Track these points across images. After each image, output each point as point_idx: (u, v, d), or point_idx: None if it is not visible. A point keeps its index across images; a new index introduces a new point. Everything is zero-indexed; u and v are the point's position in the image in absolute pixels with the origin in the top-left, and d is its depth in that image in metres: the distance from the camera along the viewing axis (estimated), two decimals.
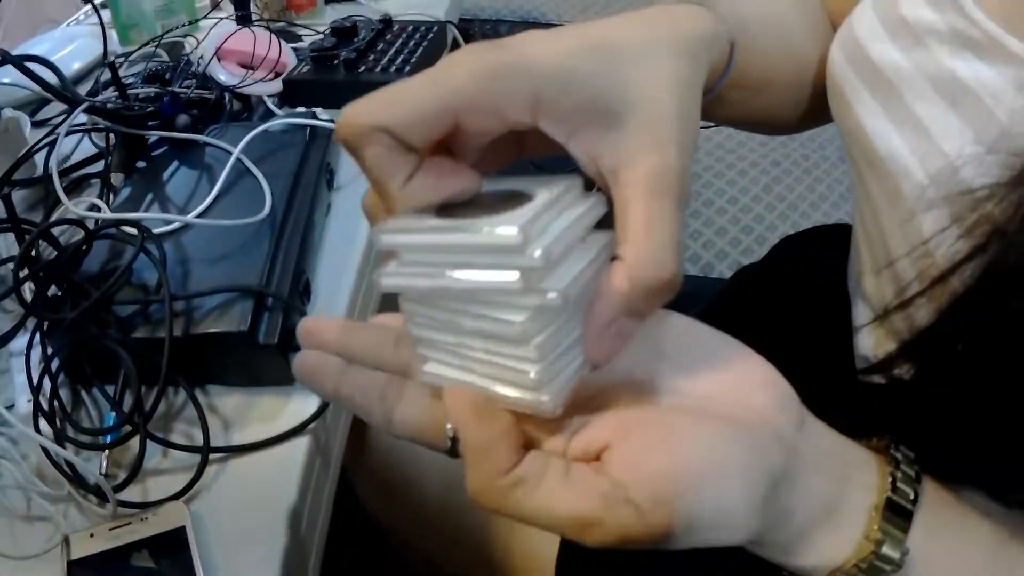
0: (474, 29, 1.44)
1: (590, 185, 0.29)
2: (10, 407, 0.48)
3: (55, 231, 0.53)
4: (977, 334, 0.30)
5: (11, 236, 0.54)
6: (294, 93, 0.75)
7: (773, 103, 0.47)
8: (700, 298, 0.62)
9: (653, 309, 0.26)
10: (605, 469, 0.26)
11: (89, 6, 1.07)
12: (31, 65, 0.64)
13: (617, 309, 0.25)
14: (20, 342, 0.49)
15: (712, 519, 0.25)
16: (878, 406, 0.37)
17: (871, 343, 0.40)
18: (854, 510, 0.29)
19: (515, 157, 0.31)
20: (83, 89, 0.81)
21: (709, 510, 0.25)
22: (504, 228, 0.23)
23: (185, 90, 0.69)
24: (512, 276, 0.23)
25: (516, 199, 0.26)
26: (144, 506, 0.42)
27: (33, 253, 0.50)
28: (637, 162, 0.26)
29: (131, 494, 0.43)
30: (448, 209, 0.26)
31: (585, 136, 0.26)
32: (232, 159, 0.57)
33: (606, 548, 0.25)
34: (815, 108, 0.48)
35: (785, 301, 0.54)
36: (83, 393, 0.49)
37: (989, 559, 0.31)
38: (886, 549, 0.29)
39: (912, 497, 0.30)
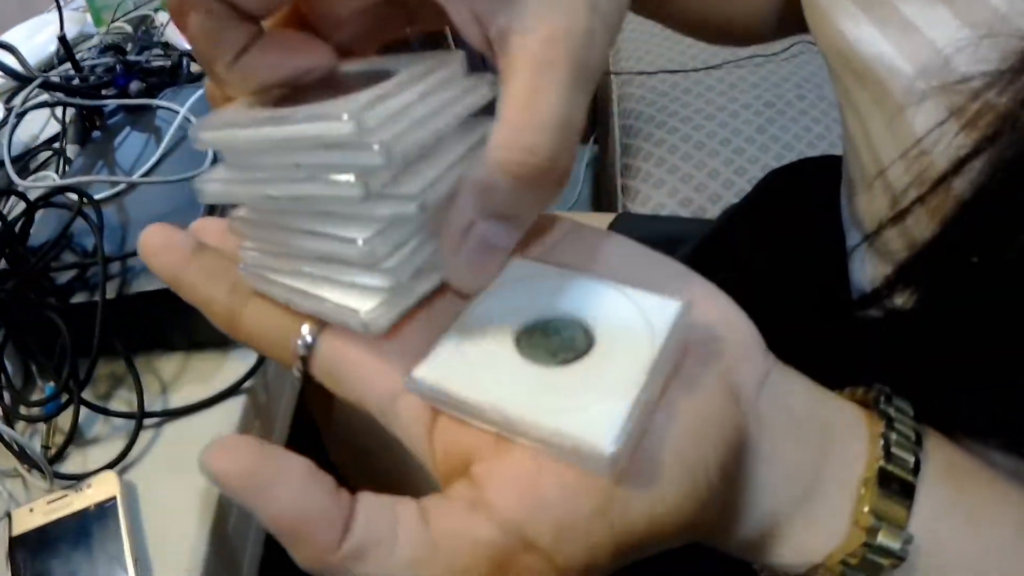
0: None
1: (477, 66, 0.25)
2: None
3: (5, 208, 0.52)
4: (990, 245, 0.25)
5: None
6: None
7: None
8: (690, 241, 0.58)
9: (529, 210, 0.21)
10: (479, 495, 0.20)
11: None
12: None
13: (476, 206, 0.20)
14: None
15: (644, 534, 0.19)
16: (876, 345, 0.32)
17: (867, 271, 0.36)
18: (837, 488, 0.23)
19: (400, 34, 0.26)
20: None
21: (639, 524, 0.19)
22: (332, 114, 0.19)
23: (139, 58, 0.68)
24: (345, 160, 0.19)
25: (378, 81, 0.21)
26: (79, 477, 0.40)
27: None
28: (532, 25, 0.20)
29: (72, 465, 0.42)
30: (297, 96, 0.22)
31: None
32: (178, 119, 0.56)
33: None
34: (785, 13, 0.44)
35: (773, 236, 0.50)
36: (32, 366, 0.48)
37: (1014, 550, 0.24)
38: (882, 538, 0.22)
39: (912, 465, 0.23)
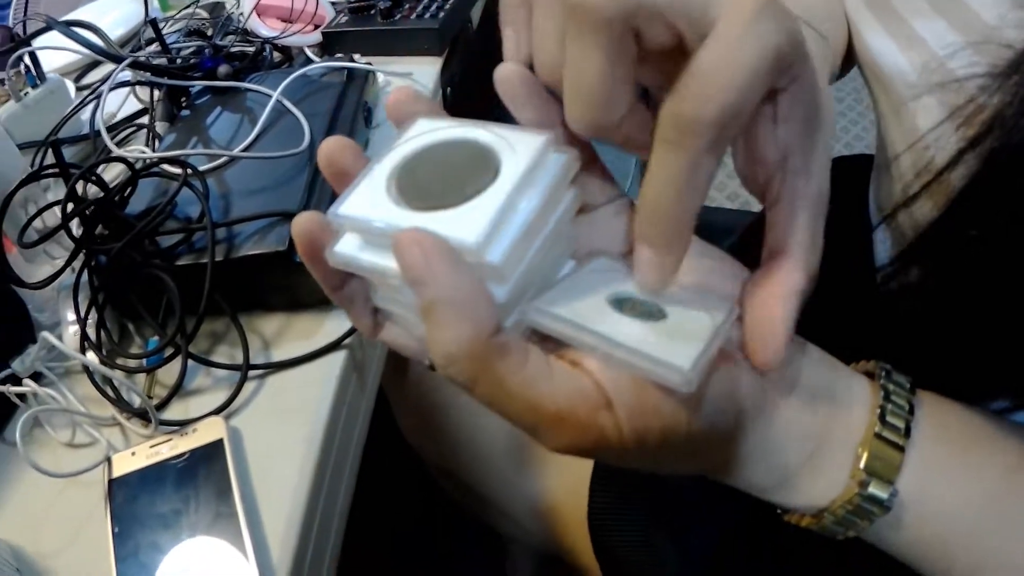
0: None
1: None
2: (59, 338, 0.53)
3: (106, 177, 0.58)
4: (981, 229, 0.31)
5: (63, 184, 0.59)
6: (333, 43, 0.79)
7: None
8: (735, 232, 0.65)
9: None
10: (585, 370, 0.26)
11: None
12: (77, 30, 0.70)
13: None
14: (71, 280, 0.54)
15: (684, 439, 0.26)
16: (894, 316, 0.38)
17: (885, 249, 0.43)
18: (840, 448, 0.29)
19: None
20: (127, 52, 0.88)
21: (682, 428, 0.26)
22: (463, 232, 0.24)
23: (226, 44, 0.74)
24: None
25: (484, 166, 0.27)
26: (184, 423, 0.45)
27: (83, 196, 0.55)
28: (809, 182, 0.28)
29: (173, 414, 0.47)
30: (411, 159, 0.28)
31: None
32: (272, 100, 0.61)
33: (569, 451, 0.26)
34: (844, 60, 0.53)
35: None
36: (129, 326, 0.53)
37: (995, 497, 0.30)
38: (873, 489, 0.29)
39: (903, 430, 0.29)
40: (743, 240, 0.65)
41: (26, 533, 0.43)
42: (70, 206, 0.51)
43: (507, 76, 0.29)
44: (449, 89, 0.79)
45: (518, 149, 0.27)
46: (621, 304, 0.27)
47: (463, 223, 0.25)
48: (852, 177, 0.52)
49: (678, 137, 0.23)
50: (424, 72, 0.76)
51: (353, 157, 0.29)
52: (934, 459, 0.30)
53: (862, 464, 0.29)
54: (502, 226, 0.25)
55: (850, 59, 0.53)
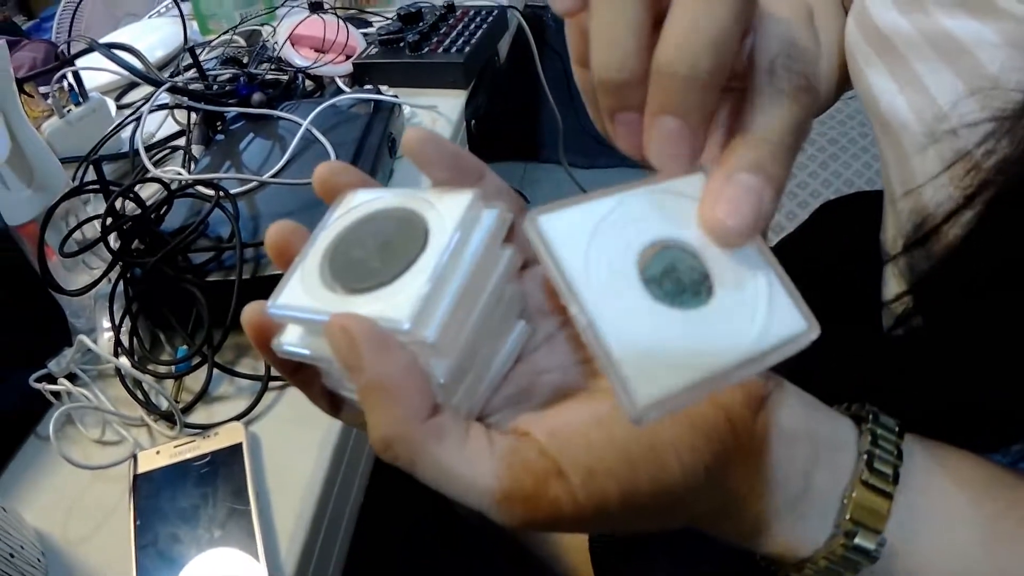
0: (547, 15, 1.53)
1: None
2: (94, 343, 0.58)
3: (143, 195, 0.63)
4: (975, 283, 0.32)
5: (102, 198, 0.65)
6: (363, 74, 0.85)
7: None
8: None
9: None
10: (532, 440, 0.25)
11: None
12: (118, 53, 0.76)
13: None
14: (108, 289, 0.60)
15: (648, 498, 0.25)
16: (901, 363, 0.39)
17: (890, 291, 0.45)
18: (825, 495, 0.29)
19: None
20: (165, 75, 0.94)
21: (645, 488, 0.24)
22: (394, 313, 0.24)
23: (260, 72, 0.80)
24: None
25: (413, 236, 0.26)
26: (207, 427, 0.50)
27: (121, 211, 0.61)
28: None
29: (197, 418, 0.52)
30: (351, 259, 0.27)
31: None
32: (302, 129, 0.67)
33: (525, 526, 0.25)
34: (840, 83, 0.55)
35: (822, 264, 0.59)
36: (160, 335, 0.59)
37: (985, 543, 0.29)
38: (860, 540, 0.28)
39: (892, 476, 0.29)
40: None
41: (55, 521, 0.48)
42: (109, 221, 0.57)
43: (411, 139, 0.29)
44: (474, 122, 0.84)
45: (444, 213, 0.27)
46: (659, 267, 0.24)
47: (393, 302, 0.24)
48: (868, 216, 0.53)
49: None
50: (448, 105, 0.82)
51: (301, 241, 0.29)
52: (923, 506, 0.29)
53: (848, 514, 0.28)
54: (434, 300, 0.24)
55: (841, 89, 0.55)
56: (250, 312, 0.28)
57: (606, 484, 0.24)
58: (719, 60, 0.23)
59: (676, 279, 0.24)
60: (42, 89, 0.85)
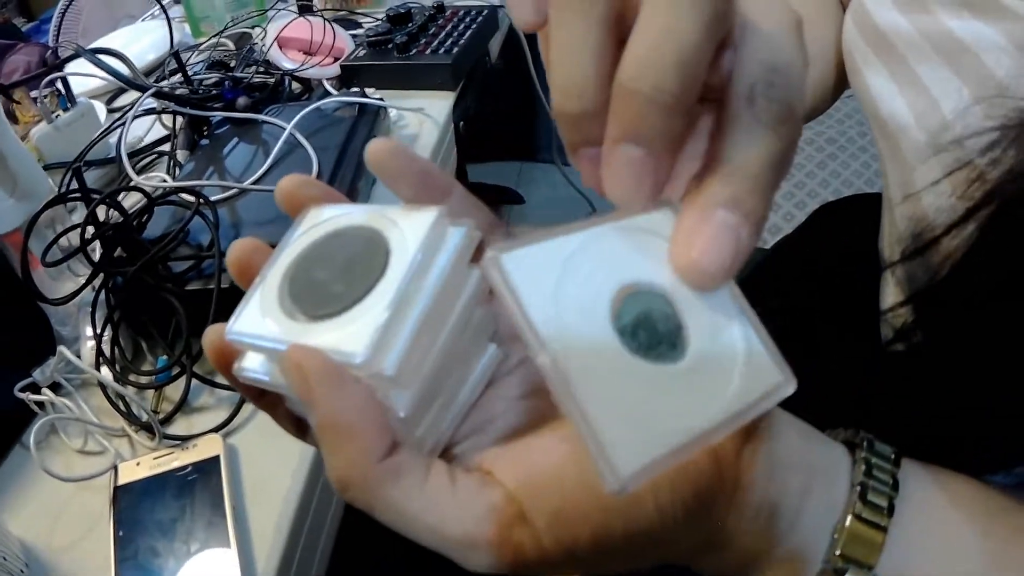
0: None
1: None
2: (78, 352, 0.58)
3: (126, 203, 0.63)
4: (976, 297, 0.31)
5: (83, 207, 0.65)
6: (351, 76, 0.85)
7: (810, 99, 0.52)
8: (746, 269, 0.67)
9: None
10: (495, 481, 0.24)
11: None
12: (104, 57, 0.76)
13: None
14: (90, 298, 0.60)
15: (621, 541, 0.24)
16: (900, 380, 0.39)
17: (887, 300, 0.44)
18: (815, 530, 0.27)
19: None
20: (154, 79, 0.94)
21: (618, 530, 0.23)
22: (348, 345, 0.23)
23: (245, 75, 0.80)
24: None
25: (374, 258, 0.25)
26: (187, 438, 0.50)
27: (104, 219, 0.61)
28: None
29: (177, 429, 0.52)
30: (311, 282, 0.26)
31: None
32: (285, 134, 0.67)
33: (490, 571, 0.24)
34: (838, 84, 0.54)
35: (819, 268, 0.58)
36: (142, 344, 0.59)
37: (984, 574, 0.28)
38: (853, 573, 0.27)
39: (886, 509, 0.27)
40: (749, 280, 0.66)
41: (39, 531, 0.48)
42: (91, 230, 0.57)
43: (376, 151, 0.28)
44: (462, 124, 0.84)
45: (407, 232, 0.25)
46: (631, 314, 0.22)
47: (349, 332, 0.23)
48: (867, 218, 0.52)
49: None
50: (435, 107, 0.81)
51: (263, 259, 0.28)
52: (919, 538, 0.28)
53: (839, 548, 0.27)
54: (392, 329, 0.23)
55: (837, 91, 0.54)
56: (211, 335, 0.27)
57: (575, 528, 0.23)
58: (688, 79, 0.21)
59: (652, 329, 0.22)
60: (33, 94, 0.86)
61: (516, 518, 0.23)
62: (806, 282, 0.59)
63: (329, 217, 0.27)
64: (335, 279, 0.25)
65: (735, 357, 0.23)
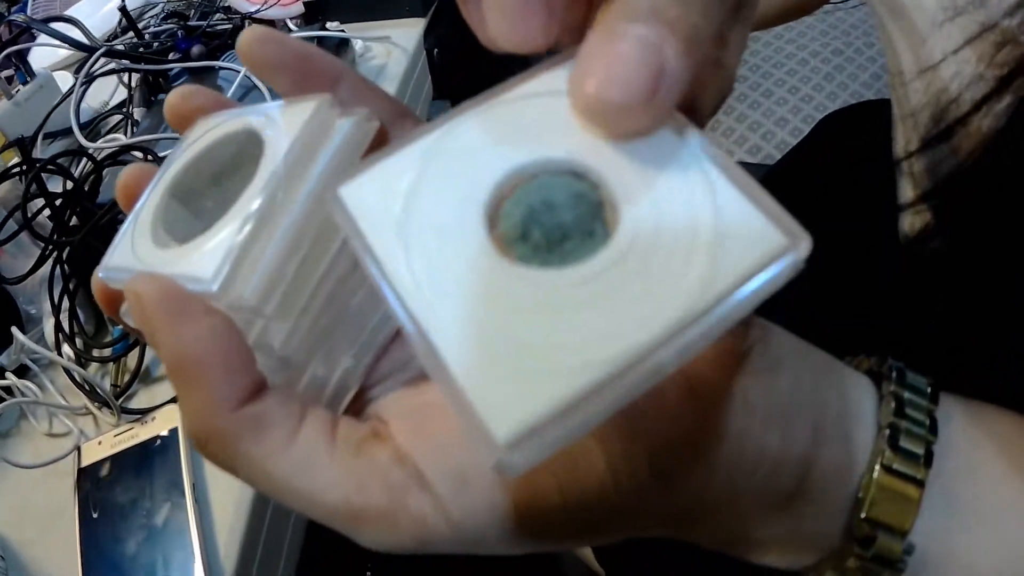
0: None
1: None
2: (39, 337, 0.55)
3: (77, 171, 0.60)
4: (1013, 188, 0.25)
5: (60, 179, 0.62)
6: (315, 12, 0.79)
7: None
8: None
9: None
10: (385, 435, 0.19)
11: None
12: (58, 25, 0.73)
13: None
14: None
15: (560, 513, 0.18)
16: (922, 286, 0.33)
17: (907, 215, 0.38)
18: (831, 486, 0.21)
19: None
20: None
21: (552, 499, 0.18)
22: (198, 269, 0.19)
23: (201, 23, 0.75)
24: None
25: (247, 164, 0.21)
26: (144, 412, 0.47)
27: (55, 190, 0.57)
28: None
29: (139, 402, 0.48)
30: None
31: None
32: (239, 76, 0.62)
33: (393, 551, 0.19)
34: None
35: (827, 179, 0.52)
36: (105, 316, 0.55)
37: None
38: (880, 546, 0.20)
39: (923, 457, 0.21)
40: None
41: (10, 521, 0.45)
42: (40, 202, 0.54)
43: (245, 40, 0.23)
44: (436, 51, 0.78)
45: (284, 128, 0.21)
46: (517, 212, 0.17)
47: (203, 255, 0.19)
48: (874, 126, 0.45)
49: None
50: (404, 35, 0.75)
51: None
52: (965, 495, 0.22)
53: (864, 512, 0.21)
54: (254, 247, 0.19)
55: None
56: (96, 280, 0.23)
57: (492, 495, 0.18)
58: None
59: (550, 222, 0.16)
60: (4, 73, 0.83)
61: (413, 484, 0.18)
62: (815, 196, 0.52)
63: (213, 126, 0.23)
64: (207, 195, 0.23)
65: (696, 228, 0.16)
